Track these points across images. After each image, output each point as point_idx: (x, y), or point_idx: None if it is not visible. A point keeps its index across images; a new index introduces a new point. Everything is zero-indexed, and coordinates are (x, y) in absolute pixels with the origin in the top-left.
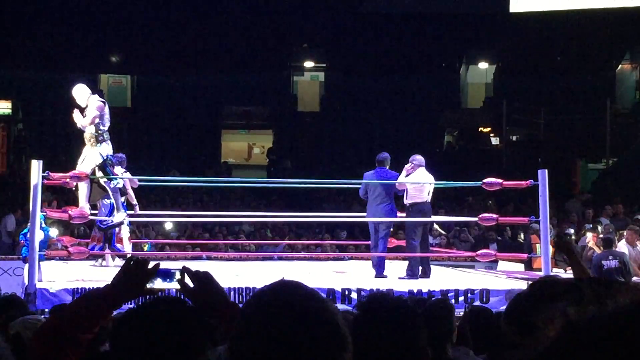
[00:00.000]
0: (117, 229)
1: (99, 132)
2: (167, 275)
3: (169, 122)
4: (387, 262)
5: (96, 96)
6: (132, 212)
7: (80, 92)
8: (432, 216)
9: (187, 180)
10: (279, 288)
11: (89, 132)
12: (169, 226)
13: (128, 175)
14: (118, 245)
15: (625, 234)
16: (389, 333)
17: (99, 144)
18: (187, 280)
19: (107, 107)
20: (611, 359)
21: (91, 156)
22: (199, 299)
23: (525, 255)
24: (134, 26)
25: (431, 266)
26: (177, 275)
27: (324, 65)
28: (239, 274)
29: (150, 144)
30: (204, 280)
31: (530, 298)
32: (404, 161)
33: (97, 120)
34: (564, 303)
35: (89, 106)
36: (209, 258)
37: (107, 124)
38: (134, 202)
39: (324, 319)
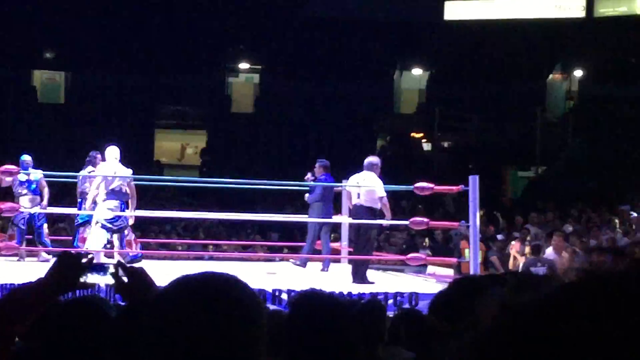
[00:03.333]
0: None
1: None
2: (101, 269)
3: (103, 120)
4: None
5: None
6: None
7: None
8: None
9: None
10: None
11: None
12: None
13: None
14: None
15: (552, 240)
16: (321, 330)
17: None
18: (122, 275)
19: None
20: (552, 339)
21: None
22: (131, 295)
23: (454, 260)
24: (69, 22)
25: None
26: (112, 269)
27: (259, 67)
28: (169, 274)
29: (83, 142)
30: (138, 276)
31: (453, 290)
32: (337, 164)
33: None
34: (500, 288)
35: None
36: None
37: None
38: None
39: (235, 301)
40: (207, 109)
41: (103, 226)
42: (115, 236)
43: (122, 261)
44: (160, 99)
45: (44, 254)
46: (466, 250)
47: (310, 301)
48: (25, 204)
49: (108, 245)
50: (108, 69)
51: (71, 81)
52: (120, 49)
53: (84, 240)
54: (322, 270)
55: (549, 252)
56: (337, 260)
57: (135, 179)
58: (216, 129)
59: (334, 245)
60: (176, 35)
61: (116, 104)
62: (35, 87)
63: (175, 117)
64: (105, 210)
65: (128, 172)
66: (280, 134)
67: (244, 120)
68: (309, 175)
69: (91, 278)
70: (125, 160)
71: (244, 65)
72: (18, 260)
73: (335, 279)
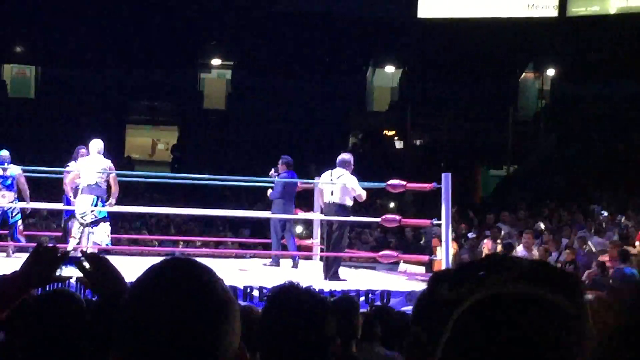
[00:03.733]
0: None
1: None
2: (77, 261)
3: (73, 115)
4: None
5: None
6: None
7: None
8: (333, 217)
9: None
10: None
11: None
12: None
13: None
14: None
15: (522, 238)
16: (297, 322)
17: None
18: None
19: None
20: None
21: None
22: (96, 284)
23: (426, 257)
24: (40, 16)
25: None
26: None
27: (231, 63)
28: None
29: (53, 137)
30: (99, 262)
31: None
32: (309, 161)
33: None
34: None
35: None
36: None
37: None
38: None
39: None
40: (178, 105)
41: (77, 220)
42: (86, 230)
43: (87, 251)
44: (131, 95)
45: (11, 250)
46: (438, 249)
47: (288, 294)
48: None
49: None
50: (79, 63)
51: (41, 75)
52: (92, 44)
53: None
54: (293, 267)
55: (520, 249)
56: (309, 257)
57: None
58: (188, 125)
59: (307, 242)
60: (148, 31)
61: (87, 99)
62: (5, 81)
63: (147, 113)
64: (79, 204)
65: (107, 164)
66: (252, 130)
67: (215, 116)
68: (272, 172)
69: (66, 271)
70: None
71: (216, 62)
72: None
73: (307, 276)
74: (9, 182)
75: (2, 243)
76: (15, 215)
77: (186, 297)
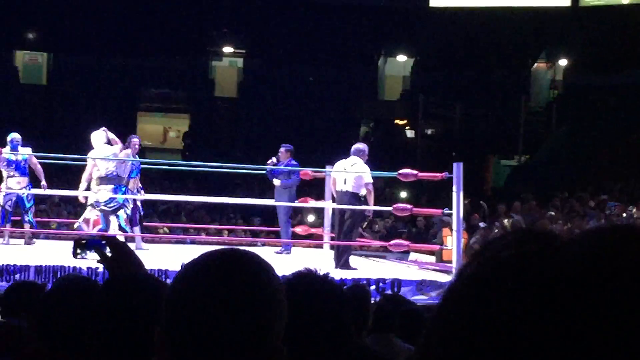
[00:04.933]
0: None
1: None
2: (99, 246)
3: (85, 102)
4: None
5: None
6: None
7: None
8: (343, 206)
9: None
10: (217, 256)
11: None
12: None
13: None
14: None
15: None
16: (315, 309)
17: None
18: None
19: None
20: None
21: None
22: (114, 267)
23: (437, 247)
24: (51, 3)
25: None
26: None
27: (243, 51)
28: (151, 257)
29: (65, 123)
30: (120, 248)
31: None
32: (320, 150)
33: None
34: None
35: None
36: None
37: None
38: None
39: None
40: (190, 93)
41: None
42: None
43: (109, 236)
44: (143, 82)
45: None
46: (447, 238)
47: (306, 280)
48: (13, 185)
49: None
50: (91, 50)
51: (53, 62)
52: (104, 31)
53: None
54: (281, 253)
55: None
56: (320, 246)
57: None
58: (199, 112)
59: (318, 230)
60: (160, 18)
61: (99, 86)
62: (17, 67)
63: (158, 101)
64: (102, 193)
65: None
66: (263, 118)
67: (227, 104)
68: (273, 160)
69: (90, 255)
70: (107, 142)
71: (227, 49)
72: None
73: (318, 264)
74: (22, 165)
75: (19, 230)
76: (30, 200)
77: (233, 287)
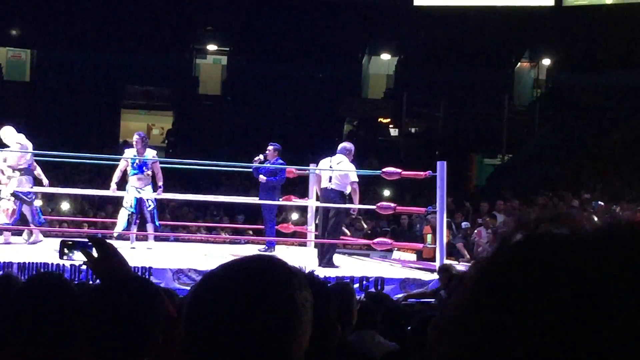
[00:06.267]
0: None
1: None
2: (85, 246)
3: (68, 99)
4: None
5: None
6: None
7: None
8: (328, 204)
9: (83, 157)
10: (239, 266)
11: None
12: (65, 206)
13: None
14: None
15: None
16: None
17: None
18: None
19: None
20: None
21: None
22: (100, 270)
23: (420, 245)
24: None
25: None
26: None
27: (227, 49)
28: (135, 254)
29: (48, 120)
30: (107, 249)
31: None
32: (304, 148)
33: None
34: None
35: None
36: (103, 236)
37: None
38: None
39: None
40: (174, 90)
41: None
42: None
43: (95, 236)
44: (127, 79)
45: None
46: (428, 236)
47: None
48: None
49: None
50: (74, 47)
51: (37, 59)
52: (88, 27)
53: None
54: (265, 250)
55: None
56: (304, 244)
57: (100, 159)
58: (183, 110)
59: (301, 228)
60: (144, 15)
61: (82, 83)
62: (0, 64)
63: (142, 98)
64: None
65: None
66: (247, 116)
67: (211, 101)
68: (260, 157)
69: (77, 256)
70: (91, 139)
71: (212, 47)
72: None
73: (302, 262)
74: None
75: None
76: (35, 199)
77: (259, 297)
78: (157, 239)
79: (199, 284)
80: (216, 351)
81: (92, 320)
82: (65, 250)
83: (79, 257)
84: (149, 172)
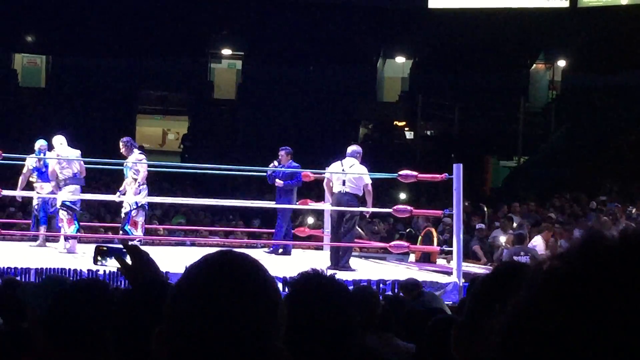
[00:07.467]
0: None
1: None
2: (120, 253)
3: (84, 105)
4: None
5: None
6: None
7: None
8: (343, 207)
9: (99, 163)
10: (216, 258)
11: None
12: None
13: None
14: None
15: (535, 230)
16: (322, 311)
17: None
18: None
19: None
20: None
21: None
22: (133, 276)
23: (437, 248)
24: (50, 6)
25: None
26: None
27: (242, 53)
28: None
29: (64, 126)
30: (141, 256)
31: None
32: (319, 152)
33: None
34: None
35: None
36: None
37: None
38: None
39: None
40: (189, 95)
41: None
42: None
43: (128, 243)
44: (142, 84)
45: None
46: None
47: (314, 281)
48: (39, 191)
49: None
50: (89, 53)
51: (52, 65)
52: (103, 33)
53: (135, 224)
54: (270, 252)
55: (538, 241)
56: (320, 247)
57: (115, 164)
58: (198, 115)
59: (318, 232)
60: (159, 20)
61: (97, 89)
62: (16, 70)
63: (157, 103)
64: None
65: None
66: (262, 120)
67: (226, 106)
68: (275, 163)
69: (110, 262)
70: (105, 145)
71: (226, 52)
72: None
73: (319, 265)
74: (43, 170)
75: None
76: (55, 205)
77: (229, 288)
78: (143, 242)
79: (178, 281)
80: (191, 344)
81: (123, 326)
82: (99, 257)
83: (112, 264)
84: (135, 176)
